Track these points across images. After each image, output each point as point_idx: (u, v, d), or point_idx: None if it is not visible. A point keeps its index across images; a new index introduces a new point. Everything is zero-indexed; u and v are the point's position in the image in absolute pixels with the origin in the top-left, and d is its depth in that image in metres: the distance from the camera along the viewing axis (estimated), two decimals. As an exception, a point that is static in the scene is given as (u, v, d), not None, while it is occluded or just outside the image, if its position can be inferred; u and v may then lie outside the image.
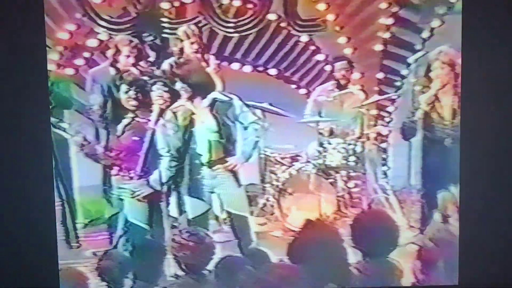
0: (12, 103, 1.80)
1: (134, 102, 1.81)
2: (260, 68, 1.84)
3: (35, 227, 1.85)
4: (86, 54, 1.78)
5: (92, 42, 1.77)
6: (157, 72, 1.82)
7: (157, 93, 1.82)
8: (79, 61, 1.78)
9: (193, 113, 1.85)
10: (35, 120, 1.81)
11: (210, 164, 1.86)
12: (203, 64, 1.82)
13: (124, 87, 1.81)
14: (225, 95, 1.83)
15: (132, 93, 1.81)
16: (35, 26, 1.75)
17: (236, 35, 1.81)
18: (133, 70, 1.81)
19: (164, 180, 1.85)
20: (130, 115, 1.83)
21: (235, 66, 1.83)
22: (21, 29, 1.76)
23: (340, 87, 1.85)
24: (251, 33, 1.81)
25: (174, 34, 1.80)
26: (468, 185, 1.89)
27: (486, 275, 1.92)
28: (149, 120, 1.83)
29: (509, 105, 1.87)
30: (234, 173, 1.88)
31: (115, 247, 1.88)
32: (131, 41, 1.78)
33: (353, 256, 1.89)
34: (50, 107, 1.79)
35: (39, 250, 1.86)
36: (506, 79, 1.85)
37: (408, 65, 1.82)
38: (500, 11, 1.80)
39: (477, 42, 1.79)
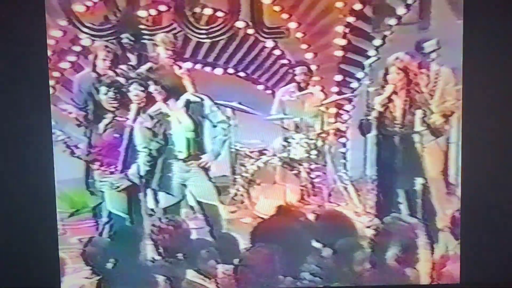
0: (14, 103, 1.92)
1: (114, 102, 1.96)
2: (231, 71, 1.98)
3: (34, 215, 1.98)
4: (71, 58, 1.92)
5: (76, 48, 1.91)
6: (133, 74, 1.96)
7: (134, 93, 1.96)
8: (64, 65, 1.92)
9: (168, 115, 1.99)
10: (36, 118, 1.93)
11: (186, 160, 2.02)
12: (176, 68, 1.97)
13: (103, 89, 1.96)
14: (196, 96, 1.99)
15: (111, 94, 1.96)
16: (35, 30, 1.87)
17: (208, 41, 1.95)
18: (111, 73, 1.95)
19: (142, 173, 2.00)
20: (110, 114, 1.97)
21: (208, 69, 1.97)
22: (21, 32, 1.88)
23: (301, 88, 2.00)
24: (221, 39, 1.95)
25: (152, 40, 1.94)
26: (469, 184, 1.95)
27: (487, 274, 1.96)
28: (128, 119, 1.97)
29: (509, 106, 1.93)
30: (205, 169, 2.03)
31: (99, 234, 2.02)
32: (106, 46, 1.92)
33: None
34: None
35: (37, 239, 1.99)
36: (507, 79, 1.92)
37: (363, 68, 1.99)
38: (501, 12, 1.88)
39: (477, 42, 1.88)
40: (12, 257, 1.98)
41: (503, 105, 1.96)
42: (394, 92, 2.00)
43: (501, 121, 1.96)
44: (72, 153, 1.95)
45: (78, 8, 1.89)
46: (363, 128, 2.03)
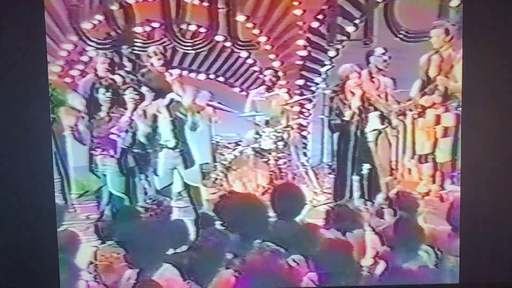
0: (15, 103, 2.17)
1: (110, 102, 2.28)
2: (212, 76, 2.28)
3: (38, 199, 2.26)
4: (80, 67, 2.25)
5: (84, 58, 2.24)
6: (128, 80, 2.28)
7: (130, 96, 2.30)
8: (74, 72, 2.24)
9: (157, 110, 2.32)
10: (37, 116, 2.21)
11: (173, 148, 2.35)
12: (165, 73, 2.29)
13: (102, 90, 2.29)
14: (179, 96, 2.31)
15: (109, 94, 2.28)
16: (37, 42, 2.13)
17: (192, 52, 2.26)
18: (111, 77, 2.27)
19: (138, 160, 2.34)
20: (108, 111, 2.30)
21: (192, 75, 2.29)
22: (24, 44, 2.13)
23: (269, 90, 2.34)
24: (204, 50, 2.26)
25: (145, 51, 2.27)
26: (469, 183, 2.00)
27: (487, 275, 1.99)
28: (123, 115, 2.30)
29: (509, 106, 1.97)
30: (189, 155, 2.37)
31: (102, 211, 2.35)
32: (106, 55, 2.24)
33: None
34: (51, 106, 2.25)
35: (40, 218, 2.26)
36: (507, 80, 1.98)
37: (320, 75, 2.33)
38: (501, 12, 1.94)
39: (478, 43, 1.98)
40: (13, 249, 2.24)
41: (504, 105, 2.02)
42: (352, 93, 2.33)
43: (502, 118, 2.02)
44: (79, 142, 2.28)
45: (86, 26, 2.23)
46: (333, 129, 2.35)
